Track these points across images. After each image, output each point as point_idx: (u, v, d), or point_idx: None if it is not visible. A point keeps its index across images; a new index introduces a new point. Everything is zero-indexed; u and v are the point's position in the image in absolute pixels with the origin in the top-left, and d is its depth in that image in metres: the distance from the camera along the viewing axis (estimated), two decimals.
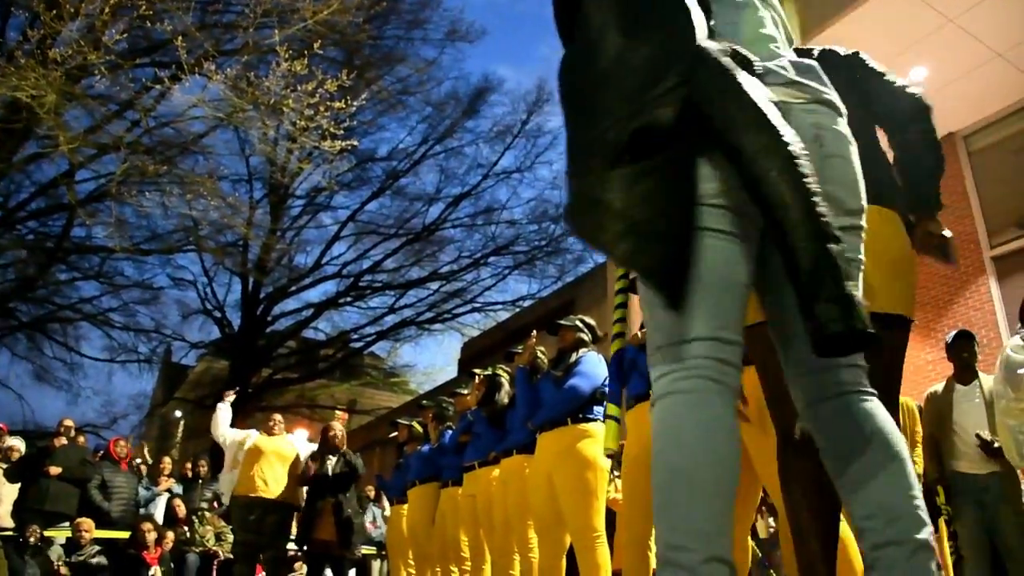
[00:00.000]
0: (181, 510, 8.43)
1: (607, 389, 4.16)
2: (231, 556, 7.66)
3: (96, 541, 7.29)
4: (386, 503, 9.04)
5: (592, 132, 1.44)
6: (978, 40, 8.34)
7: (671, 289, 1.39)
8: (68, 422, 8.74)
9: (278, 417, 7.31)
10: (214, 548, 7.99)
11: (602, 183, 1.39)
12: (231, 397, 7.55)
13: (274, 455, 6.79)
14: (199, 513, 8.35)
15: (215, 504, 8.78)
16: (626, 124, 1.38)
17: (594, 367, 4.25)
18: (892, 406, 2.08)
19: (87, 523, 7.23)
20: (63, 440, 8.25)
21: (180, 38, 9.32)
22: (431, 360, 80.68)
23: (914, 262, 2.38)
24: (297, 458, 7.02)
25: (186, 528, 8.15)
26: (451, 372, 22.20)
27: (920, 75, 8.87)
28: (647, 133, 1.37)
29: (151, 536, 7.36)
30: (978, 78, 8.82)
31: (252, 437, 6.99)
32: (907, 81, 2.36)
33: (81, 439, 9.05)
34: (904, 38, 8.40)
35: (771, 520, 6.99)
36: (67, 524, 7.41)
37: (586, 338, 4.46)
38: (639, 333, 3.87)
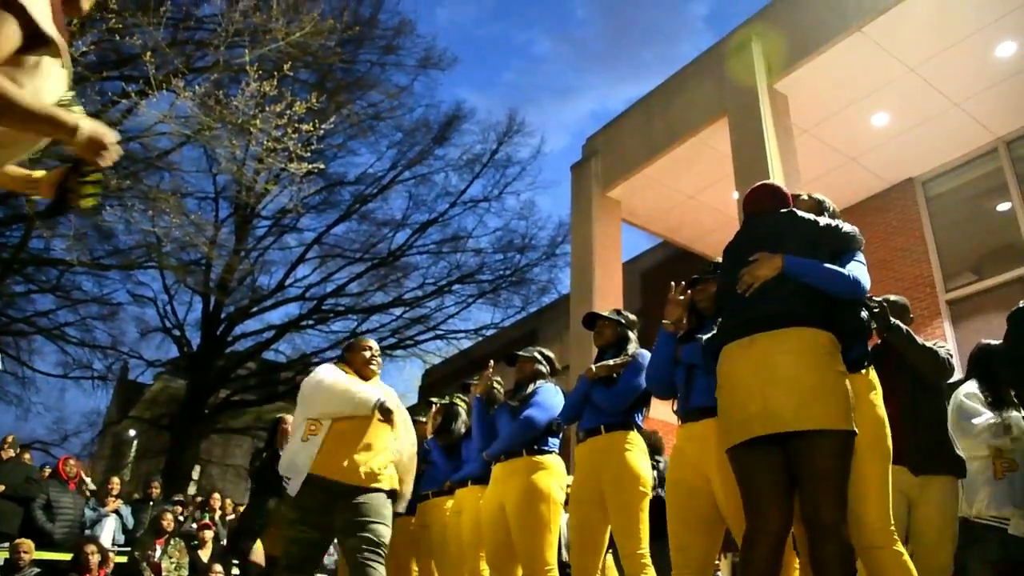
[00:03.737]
0: (170, 524, 8.12)
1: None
2: None
3: (36, 563, 7.07)
4: None
5: None
6: (937, 90, 8.56)
7: None
8: (10, 438, 8.52)
9: (373, 345, 4.33)
10: None
11: None
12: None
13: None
14: (172, 540, 8.08)
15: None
16: None
17: (551, 399, 4.22)
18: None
19: (27, 544, 7.01)
20: (11, 452, 8.05)
21: (150, 53, 9.24)
22: (391, 386, 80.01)
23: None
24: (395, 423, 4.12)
25: (157, 548, 7.83)
26: (412, 399, 22.05)
27: (882, 121, 9.08)
28: None
29: (94, 559, 7.15)
30: (937, 126, 9.06)
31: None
32: None
33: (27, 456, 8.82)
34: (866, 85, 8.61)
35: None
36: (7, 544, 7.19)
37: (544, 369, 4.45)
38: (593, 367, 3.86)
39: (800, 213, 2.93)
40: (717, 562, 7.09)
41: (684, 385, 3.26)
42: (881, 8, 7.77)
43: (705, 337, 3.13)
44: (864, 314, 2.99)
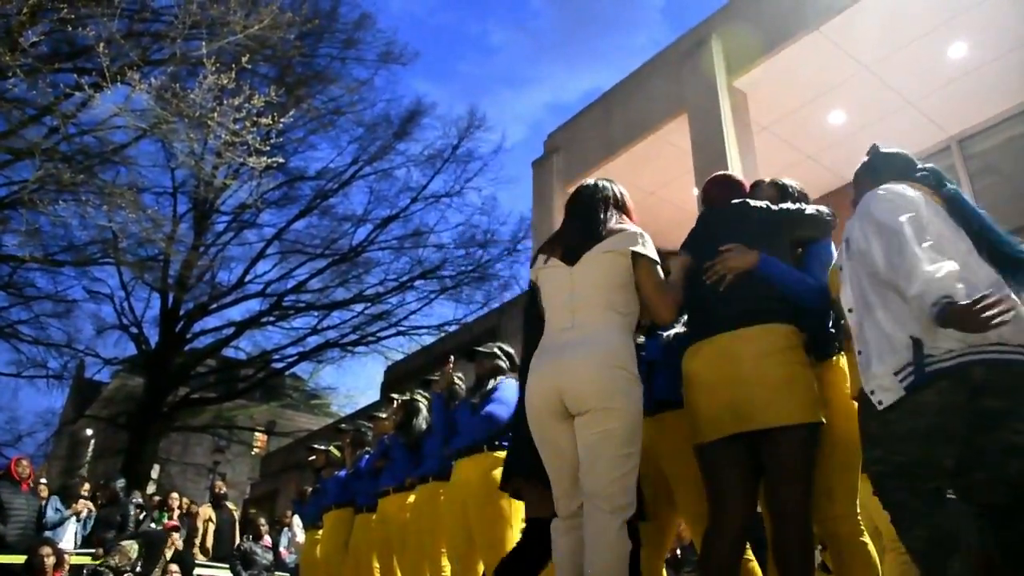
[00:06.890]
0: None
1: None
2: None
3: None
4: (297, 529, 8.78)
5: None
6: (892, 89, 8.70)
7: None
8: None
9: None
10: None
11: None
12: None
13: None
14: (116, 545, 7.97)
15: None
16: None
17: (511, 395, 4.23)
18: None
19: None
20: None
21: (104, 44, 9.05)
22: (353, 383, 79.71)
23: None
24: None
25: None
26: (373, 395, 21.93)
27: (838, 119, 9.21)
28: None
29: (49, 561, 7.00)
30: (892, 124, 9.19)
31: None
32: None
33: None
34: (824, 83, 8.72)
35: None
36: None
37: (504, 365, 4.44)
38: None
39: (753, 203, 2.91)
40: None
41: (645, 380, 3.28)
42: (838, 8, 7.88)
43: (667, 333, 3.15)
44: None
